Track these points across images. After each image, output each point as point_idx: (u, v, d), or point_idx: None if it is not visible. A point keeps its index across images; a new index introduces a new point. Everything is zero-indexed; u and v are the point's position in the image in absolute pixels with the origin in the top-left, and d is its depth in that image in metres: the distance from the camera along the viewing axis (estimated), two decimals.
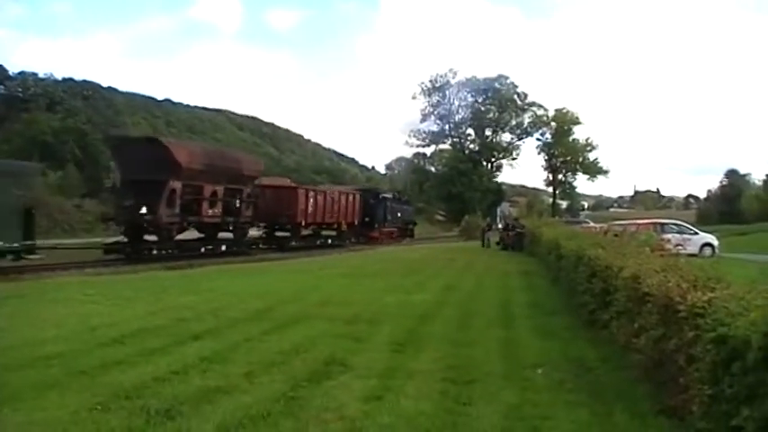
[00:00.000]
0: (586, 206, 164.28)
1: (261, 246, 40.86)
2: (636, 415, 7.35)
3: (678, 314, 6.49)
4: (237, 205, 37.04)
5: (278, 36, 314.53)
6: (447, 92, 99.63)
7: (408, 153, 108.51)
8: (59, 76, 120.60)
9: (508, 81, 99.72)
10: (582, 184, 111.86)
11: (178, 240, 33.46)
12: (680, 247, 14.31)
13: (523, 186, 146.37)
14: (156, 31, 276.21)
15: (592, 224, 44.84)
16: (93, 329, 11.89)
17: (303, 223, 43.23)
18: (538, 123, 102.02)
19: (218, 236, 36.45)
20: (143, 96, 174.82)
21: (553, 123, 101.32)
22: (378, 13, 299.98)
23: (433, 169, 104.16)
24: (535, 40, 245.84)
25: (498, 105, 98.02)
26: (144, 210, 30.19)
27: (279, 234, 42.56)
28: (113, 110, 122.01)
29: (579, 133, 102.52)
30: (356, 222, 50.71)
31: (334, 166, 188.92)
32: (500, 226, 51.57)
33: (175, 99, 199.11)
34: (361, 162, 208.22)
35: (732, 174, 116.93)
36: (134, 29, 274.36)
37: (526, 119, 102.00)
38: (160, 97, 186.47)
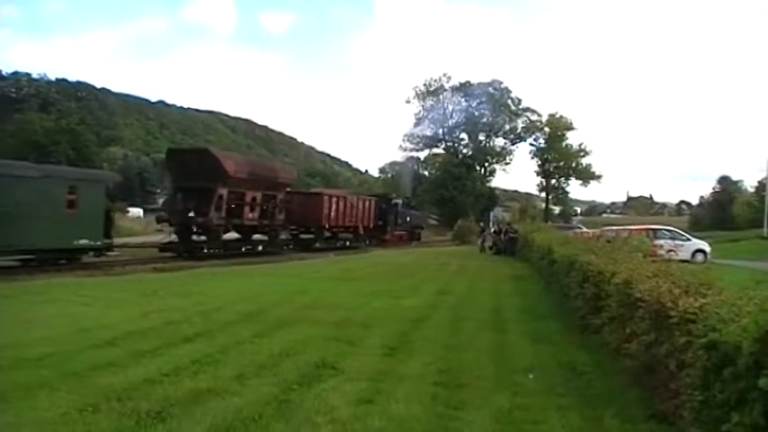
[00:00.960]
0: (579, 211, 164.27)
1: (289, 247, 43.37)
2: (627, 420, 7.36)
3: (670, 320, 6.50)
4: (272, 210, 40.29)
5: (272, 39, 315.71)
6: (441, 96, 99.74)
7: (402, 157, 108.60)
8: (53, 77, 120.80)
9: (502, 86, 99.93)
10: (575, 189, 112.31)
11: (224, 240, 37.02)
12: (672, 253, 14.36)
13: (516, 191, 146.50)
14: (150, 33, 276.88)
15: (584, 229, 44.91)
16: (83, 331, 11.86)
17: (327, 226, 46.91)
18: (531, 128, 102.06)
19: (253, 237, 39.90)
20: (136, 98, 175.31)
21: (546, 129, 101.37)
22: (371, 17, 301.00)
23: (426, 173, 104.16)
24: (529, 46, 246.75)
25: (492, 110, 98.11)
26: (192, 213, 33.84)
27: (304, 236, 46.04)
28: (107, 111, 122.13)
29: (572, 139, 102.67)
30: (371, 226, 54.00)
31: (327, 170, 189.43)
32: (493, 230, 51.72)
33: (169, 101, 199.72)
34: (355, 165, 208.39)
35: (724, 180, 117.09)
36: (128, 30, 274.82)
37: (520, 124, 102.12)
38: (153, 99, 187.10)
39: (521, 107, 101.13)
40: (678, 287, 7.14)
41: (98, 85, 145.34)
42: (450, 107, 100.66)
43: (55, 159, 67.75)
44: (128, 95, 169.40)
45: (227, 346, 10.95)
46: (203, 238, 35.54)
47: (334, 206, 47.14)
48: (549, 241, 22.22)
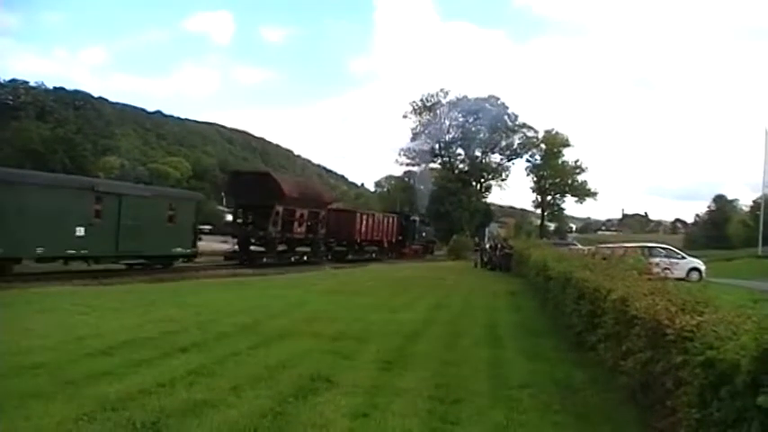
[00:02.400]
0: (574, 228, 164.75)
1: (328, 258, 48.22)
2: None
3: (666, 337, 6.52)
4: (316, 225, 45.91)
5: (270, 52, 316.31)
6: (438, 111, 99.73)
7: (398, 171, 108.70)
8: (50, 85, 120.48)
9: (499, 102, 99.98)
10: (570, 206, 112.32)
11: (279, 251, 42.54)
12: (667, 271, 14.35)
13: (512, 207, 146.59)
14: (149, 44, 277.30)
15: (580, 246, 44.93)
16: (79, 340, 11.82)
17: (358, 240, 53.11)
18: (527, 145, 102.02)
19: (297, 249, 44.88)
20: (134, 108, 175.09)
21: (543, 145, 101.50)
22: (370, 32, 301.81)
23: (422, 188, 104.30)
24: (526, 62, 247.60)
25: (488, 126, 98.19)
26: (250, 228, 40.97)
27: (338, 248, 51.16)
28: (103, 120, 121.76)
29: (569, 155, 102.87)
30: (394, 240, 60.69)
31: (323, 183, 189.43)
32: (488, 246, 51.97)
33: (166, 111, 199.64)
34: (351, 179, 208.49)
35: (720, 199, 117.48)
36: (127, 41, 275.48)
37: (516, 140, 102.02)
38: (151, 109, 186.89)
39: (517, 123, 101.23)
40: (674, 305, 7.17)
41: (95, 95, 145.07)
42: (447, 122, 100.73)
43: (51, 168, 67.53)
44: (125, 105, 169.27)
45: (224, 357, 10.93)
46: (261, 248, 40.98)
47: (365, 222, 54.13)
48: (544, 258, 22.24)
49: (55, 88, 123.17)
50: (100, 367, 9.66)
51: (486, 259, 46.97)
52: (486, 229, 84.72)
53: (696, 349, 5.55)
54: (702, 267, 38.65)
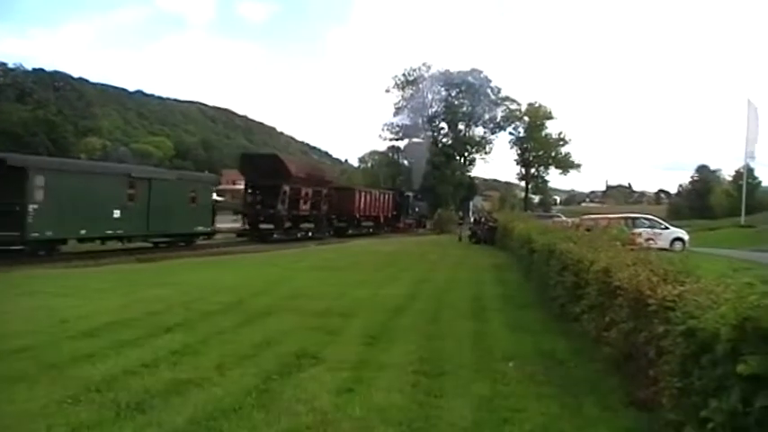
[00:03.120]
0: (559, 201, 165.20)
1: (330, 233, 51.74)
2: (606, 407, 7.41)
3: (648, 307, 6.53)
4: (319, 202, 50.27)
5: (251, 28, 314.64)
6: (421, 85, 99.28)
7: (382, 146, 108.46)
8: (29, 67, 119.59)
9: (482, 75, 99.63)
10: (554, 178, 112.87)
11: (286, 228, 45.71)
12: (651, 242, 14.37)
13: (496, 180, 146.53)
14: (129, 23, 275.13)
15: (564, 218, 45.11)
16: (63, 322, 11.76)
17: (358, 216, 57.29)
18: (511, 118, 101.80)
19: (302, 225, 48.25)
20: (115, 87, 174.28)
21: (526, 118, 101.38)
22: (351, 6, 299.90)
23: (406, 163, 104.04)
24: (508, 35, 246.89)
25: (471, 99, 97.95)
26: (259, 206, 44.34)
27: (338, 224, 54.52)
28: (84, 101, 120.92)
29: (552, 128, 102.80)
30: (389, 216, 64.88)
31: (304, 159, 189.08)
32: (472, 220, 52.19)
33: (148, 90, 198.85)
34: (335, 155, 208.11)
35: (703, 170, 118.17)
36: (106, 20, 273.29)
37: (499, 113, 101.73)
38: (132, 89, 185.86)
39: (500, 96, 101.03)
40: (657, 275, 7.18)
41: (76, 75, 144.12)
42: (430, 96, 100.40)
43: (32, 150, 67.03)
44: (106, 85, 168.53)
45: (208, 336, 10.92)
46: (270, 226, 44.07)
47: (363, 199, 58.25)
48: (528, 230, 22.27)
49: (34, 69, 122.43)
50: (84, 349, 9.61)
51: (470, 233, 47.09)
52: (471, 203, 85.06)
53: (677, 319, 5.55)
54: (686, 237, 38.87)
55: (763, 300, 4.40)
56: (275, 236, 43.36)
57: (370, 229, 59.74)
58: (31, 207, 26.19)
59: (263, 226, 44.07)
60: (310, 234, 48.11)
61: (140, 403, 7.11)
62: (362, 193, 58.93)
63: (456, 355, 10.05)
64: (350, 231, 55.47)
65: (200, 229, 37.85)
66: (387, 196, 65.21)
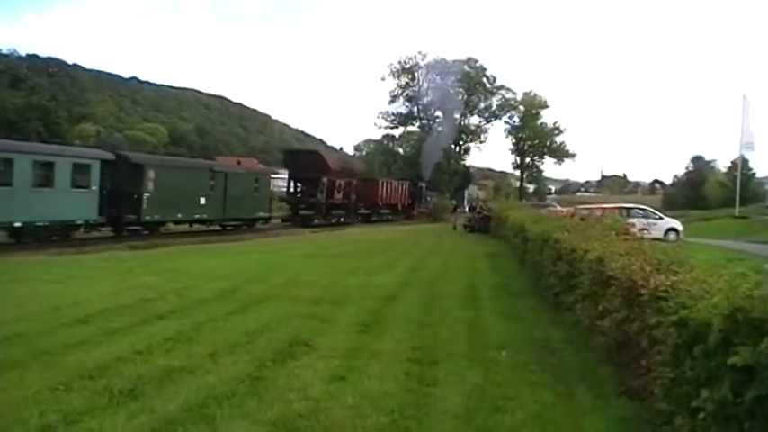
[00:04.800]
0: (553, 190, 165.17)
1: (358, 219, 57.64)
2: (598, 396, 7.44)
3: (641, 297, 6.54)
4: (349, 192, 55.88)
5: (246, 15, 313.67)
6: (416, 74, 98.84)
7: (377, 134, 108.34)
8: (23, 53, 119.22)
9: (477, 64, 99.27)
10: (549, 167, 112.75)
11: (324, 214, 50.91)
12: (645, 232, 14.39)
13: (491, 170, 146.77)
14: (123, 8, 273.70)
15: (558, 208, 45.10)
16: (55, 309, 11.73)
17: (380, 204, 62.79)
18: (506, 107, 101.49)
19: (334, 212, 53.34)
20: (109, 74, 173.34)
21: (521, 107, 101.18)
22: None
23: (401, 151, 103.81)
24: (504, 23, 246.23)
25: (467, 88, 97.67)
26: (300, 196, 50.79)
27: (362, 212, 59.61)
28: (78, 87, 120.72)
29: (547, 117, 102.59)
30: (406, 204, 69.86)
31: (301, 147, 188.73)
32: (467, 208, 52.40)
33: (142, 77, 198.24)
34: (329, 143, 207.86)
35: (697, 160, 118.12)
36: (101, 5, 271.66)
37: (494, 102, 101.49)
38: (126, 75, 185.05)
39: (495, 85, 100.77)
40: (650, 265, 7.19)
41: (70, 62, 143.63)
42: (425, 85, 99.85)
43: (25, 136, 66.82)
44: (100, 72, 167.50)
45: (201, 323, 10.91)
46: (310, 212, 49.56)
47: (385, 189, 63.99)
48: (522, 219, 22.28)
49: (28, 55, 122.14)
50: (76, 336, 9.62)
51: (461, 222, 47.20)
52: (466, 192, 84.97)
53: (670, 309, 5.56)
54: (680, 227, 38.86)
55: (755, 290, 4.41)
56: (316, 221, 48.81)
57: (389, 217, 64.42)
58: (145, 195, 33.02)
59: (303, 212, 49.62)
60: (342, 219, 53.99)
61: (133, 390, 7.11)
62: (384, 184, 64.68)
63: (449, 344, 10.08)
64: (373, 218, 60.68)
65: (261, 214, 44.76)
66: (404, 186, 70.36)
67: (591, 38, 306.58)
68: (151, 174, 33.75)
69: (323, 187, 50.11)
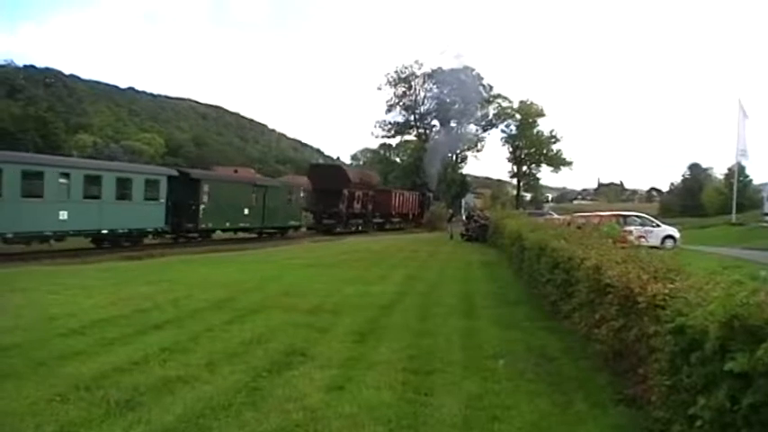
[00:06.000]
0: (550, 198, 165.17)
1: (374, 228, 61.30)
2: (596, 404, 7.42)
3: (638, 305, 6.54)
4: (366, 202, 60.45)
5: (243, 25, 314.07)
6: (412, 83, 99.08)
7: (374, 144, 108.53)
8: (20, 63, 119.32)
9: (473, 73, 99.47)
10: (546, 176, 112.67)
11: (345, 222, 55.39)
12: (642, 239, 14.41)
13: (488, 178, 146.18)
14: (120, 18, 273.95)
15: (555, 216, 45.16)
16: (51, 320, 11.72)
17: (393, 213, 66.39)
18: (502, 115, 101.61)
19: (352, 221, 57.33)
20: (106, 84, 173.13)
21: (518, 115, 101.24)
22: (344, 4, 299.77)
23: (398, 160, 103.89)
24: (500, 32, 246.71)
25: (463, 97, 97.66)
26: (323, 206, 53.81)
27: (376, 220, 62.86)
28: (75, 98, 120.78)
29: (544, 125, 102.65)
30: (416, 213, 73.02)
31: (298, 156, 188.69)
32: (464, 217, 52.54)
33: (139, 87, 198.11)
34: (327, 152, 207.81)
35: (694, 168, 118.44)
36: (97, 15, 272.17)
37: (491, 111, 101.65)
38: (123, 85, 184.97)
39: (492, 94, 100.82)
40: (647, 273, 7.19)
41: (67, 72, 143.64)
42: (422, 94, 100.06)
43: (22, 147, 66.77)
44: (97, 82, 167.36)
45: (198, 333, 10.89)
46: (332, 221, 54.17)
47: (397, 199, 67.59)
48: (519, 228, 22.28)
49: (25, 66, 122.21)
50: (73, 347, 9.60)
51: (457, 230, 47.25)
52: (463, 200, 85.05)
53: (667, 316, 5.56)
54: (677, 235, 38.88)
55: (751, 297, 4.41)
56: (338, 229, 53.53)
57: (400, 225, 67.82)
58: (201, 206, 37.42)
59: (326, 221, 54.18)
60: (360, 228, 58.26)
61: (130, 401, 7.09)
62: (396, 194, 68.36)
63: (446, 353, 10.06)
64: (387, 226, 64.26)
65: (293, 222, 49.04)
66: (414, 196, 74.04)
67: (587, 46, 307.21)
68: (206, 188, 38.36)
69: (344, 198, 54.89)
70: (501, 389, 8.06)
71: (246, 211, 42.24)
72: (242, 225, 42.51)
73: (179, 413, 6.79)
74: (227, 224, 40.96)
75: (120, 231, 32.37)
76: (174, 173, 37.81)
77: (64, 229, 29.01)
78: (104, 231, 31.37)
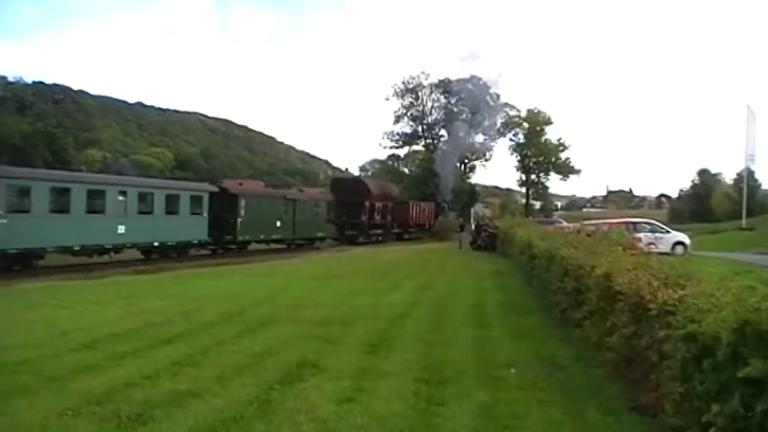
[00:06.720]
0: (560, 206, 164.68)
1: (393, 238, 63.77)
2: (608, 413, 7.38)
3: (649, 312, 6.51)
4: (386, 213, 63.11)
5: (249, 39, 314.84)
6: (420, 93, 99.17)
7: (382, 155, 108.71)
8: (29, 80, 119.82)
9: (480, 82, 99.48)
10: (555, 184, 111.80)
11: (368, 232, 58.83)
12: (652, 246, 14.36)
13: (497, 187, 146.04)
14: (128, 34, 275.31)
15: (565, 224, 45.09)
16: (63, 334, 11.78)
17: (410, 223, 68.41)
18: (510, 124, 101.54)
19: (373, 231, 60.27)
20: (114, 99, 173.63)
21: (525, 124, 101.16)
22: (349, 15, 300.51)
23: (406, 170, 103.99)
24: (508, 40, 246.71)
25: (471, 106, 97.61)
26: (345, 217, 56.09)
27: (394, 231, 65.17)
28: (84, 113, 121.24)
29: (551, 133, 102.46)
30: (432, 223, 75.14)
31: (306, 168, 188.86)
32: (473, 227, 52.45)
33: (147, 102, 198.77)
34: (335, 164, 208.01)
35: (703, 173, 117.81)
36: (105, 32, 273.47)
37: (499, 119, 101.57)
38: (132, 100, 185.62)
39: (500, 103, 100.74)
40: (657, 279, 7.16)
41: (75, 88, 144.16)
42: (429, 104, 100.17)
43: (32, 163, 67.00)
44: (106, 97, 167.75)
45: (208, 346, 10.90)
46: (354, 232, 57.07)
47: (414, 209, 69.75)
48: (529, 236, 22.23)
49: (34, 82, 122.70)
50: (84, 361, 9.62)
51: (471, 240, 47.18)
52: (472, 210, 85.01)
53: (678, 323, 5.53)
54: (687, 241, 38.67)
55: (763, 302, 4.38)
56: (360, 239, 56.68)
57: (418, 234, 69.69)
58: (239, 220, 40.00)
59: (349, 232, 56.43)
60: (380, 238, 61.04)
61: (141, 415, 7.09)
62: (414, 205, 70.35)
63: (457, 363, 10.03)
64: (405, 236, 66.67)
65: (320, 234, 51.24)
66: (429, 207, 75.90)
67: (595, 53, 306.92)
68: (243, 202, 40.81)
69: (365, 210, 58.15)
70: (512, 398, 8.03)
71: (278, 224, 44.67)
72: (274, 237, 44.95)
73: (190, 426, 6.79)
74: (262, 236, 43.26)
75: (170, 243, 35.14)
76: (215, 189, 40.25)
77: (122, 242, 31.98)
78: (156, 244, 34.30)
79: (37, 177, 28.88)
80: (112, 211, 31.09)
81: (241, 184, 54.64)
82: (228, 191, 41.43)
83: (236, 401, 7.68)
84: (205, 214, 37.73)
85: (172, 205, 35.28)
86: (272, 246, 45.31)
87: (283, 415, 7.22)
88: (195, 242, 37.57)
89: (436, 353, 10.79)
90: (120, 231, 31.37)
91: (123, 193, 32.35)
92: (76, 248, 29.32)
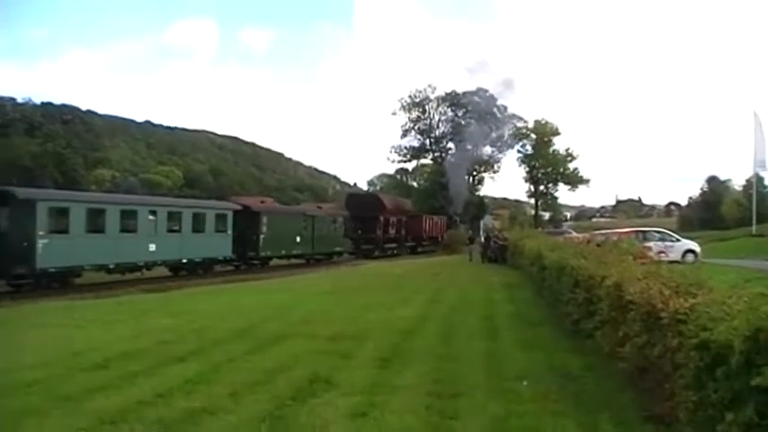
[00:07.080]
0: (569, 217, 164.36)
1: (407, 251, 64.93)
2: (622, 423, 7.36)
3: (661, 321, 6.49)
4: (400, 227, 64.56)
5: (255, 55, 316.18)
6: (427, 107, 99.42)
7: (390, 169, 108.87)
8: (38, 101, 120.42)
9: (487, 94, 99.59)
10: (564, 194, 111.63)
11: (383, 247, 60.27)
12: (662, 255, 14.32)
13: (506, 199, 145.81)
14: (135, 54, 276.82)
15: (574, 234, 44.96)
16: (75, 354, 11.78)
17: (424, 237, 69.62)
18: (518, 135, 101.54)
19: (387, 245, 61.46)
20: (123, 119, 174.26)
21: (533, 135, 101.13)
22: (354, 30, 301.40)
23: (415, 184, 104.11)
24: (514, 51, 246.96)
25: (478, 119, 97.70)
26: (360, 232, 57.32)
27: (408, 244, 66.32)
28: (93, 133, 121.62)
29: (559, 144, 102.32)
30: (444, 237, 73.87)
31: (315, 183, 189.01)
32: (483, 239, 52.45)
33: (155, 120, 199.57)
34: (343, 179, 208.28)
35: (712, 180, 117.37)
36: (113, 52, 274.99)
37: (506, 131, 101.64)
38: (140, 119, 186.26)
39: (507, 114, 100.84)
40: (668, 288, 7.14)
41: (84, 108, 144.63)
42: (437, 117, 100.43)
43: (41, 183, 67.30)
44: (114, 117, 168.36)
45: (220, 363, 10.90)
46: (370, 246, 58.09)
47: (428, 223, 71.20)
48: (538, 247, 22.19)
49: (43, 103, 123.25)
50: (96, 381, 9.61)
51: (481, 252, 47.14)
52: (482, 222, 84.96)
53: (690, 331, 5.52)
54: (697, 249, 38.52)
55: None
56: (376, 253, 57.97)
57: (431, 248, 69.87)
58: (261, 236, 41.86)
59: (364, 246, 57.52)
60: (395, 252, 61.99)
61: None
62: (427, 219, 71.82)
63: (469, 376, 10.02)
64: (418, 249, 67.65)
65: (338, 249, 52.76)
66: (442, 221, 77.18)
67: (602, 62, 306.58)
68: (265, 219, 42.61)
69: (380, 224, 59.68)
70: (525, 410, 8.00)
71: (298, 240, 46.49)
72: (295, 252, 46.62)
73: None
74: (283, 251, 44.95)
75: (197, 260, 36.73)
76: (238, 207, 41.37)
77: (153, 260, 33.47)
78: (184, 261, 35.96)
79: (75, 199, 30.32)
80: (144, 230, 32.62)
81: (263, 202, 54.95)
82: (251, 209, 42.47)
83: (249, 418, 7.68)
84: (230, 232, 39.19)
85: (198, 223, 36.82)
86: (293, 261, 46.76)
87: (296, 431, 7.22)
88: (221, 258, 39.00)
89: (448, 366, 10.78)
90: (151, 249, 32.93)
91: (153, 212, 33.92)
92: (111, 266, 30.91)
